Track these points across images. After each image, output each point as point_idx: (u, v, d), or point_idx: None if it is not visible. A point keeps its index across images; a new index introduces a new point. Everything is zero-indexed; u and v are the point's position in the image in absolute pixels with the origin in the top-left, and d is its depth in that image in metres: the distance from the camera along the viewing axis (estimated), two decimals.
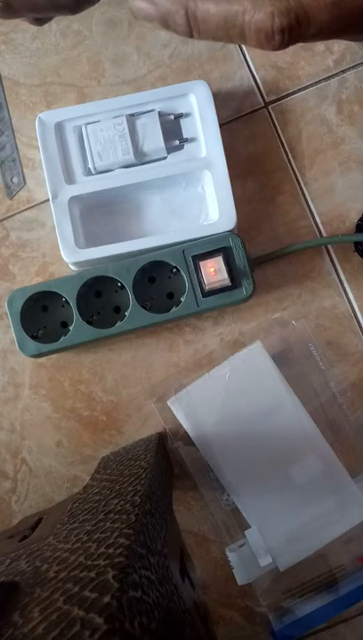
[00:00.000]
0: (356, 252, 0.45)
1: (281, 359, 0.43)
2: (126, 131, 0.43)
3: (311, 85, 0.47)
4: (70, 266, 0.44)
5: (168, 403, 0.43)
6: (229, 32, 0.22)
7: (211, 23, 0.22)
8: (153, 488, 0.30)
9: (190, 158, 0.44)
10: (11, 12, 0.28)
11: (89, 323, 0.43)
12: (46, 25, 0.38)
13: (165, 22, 0.22)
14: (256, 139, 0.47)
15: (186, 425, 0.42)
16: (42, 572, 0.22)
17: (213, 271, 0.42)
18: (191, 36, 0.23)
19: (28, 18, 0.29)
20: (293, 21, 0.20)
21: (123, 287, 0.43)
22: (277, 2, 0.20)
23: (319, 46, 0.47)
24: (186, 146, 0.44)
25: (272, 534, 0.40)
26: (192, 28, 0.22)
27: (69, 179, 0.44)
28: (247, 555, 0.40)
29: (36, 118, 0.43)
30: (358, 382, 0.45)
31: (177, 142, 0.44)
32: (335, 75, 0.47)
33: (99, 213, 0.45)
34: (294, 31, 0.21)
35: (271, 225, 0.46)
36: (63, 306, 0.43)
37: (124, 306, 0.43)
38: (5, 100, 0.48)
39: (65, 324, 0.44)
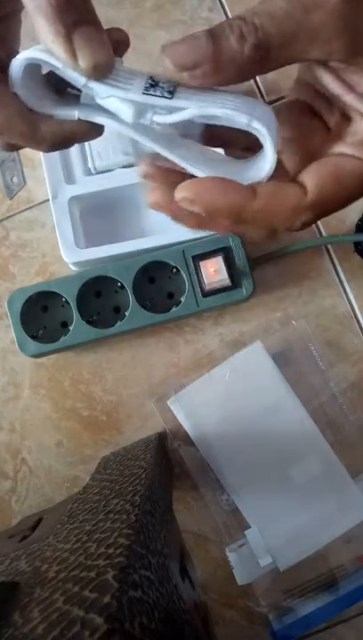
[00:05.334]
0: (356, 252, 0.45)
1: (281, 359, 0.43)
2: None
3: None
4: (70, 266, 0.44)
5: (168, 403, 0.43)
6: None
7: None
8: (153, 488, 0.30)
9: None
10: None
11: (89, 323, 0.43)
12: None
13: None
14: None
15: (186, 425, 0.42)
16: (42, 572, 0.22)
17: (214, 271, 0.42)
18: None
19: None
20: None
21: (123, 287, 0.43)
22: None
23: None
24: None
25: (272, 534, 0.40)
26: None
27: (69, 178, 0.44)
28: (247, 555, 0.40)
29: None
30: (358, 382, 0.45)
31: None
32: None
33: (99, 213, 0.45)
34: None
35: None
36: (63, 306, 0.43)
37: (124, 306, 0.43)
38: None
39: (65, 324, 0.44)
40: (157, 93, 0.20)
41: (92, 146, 0.43)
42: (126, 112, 0.21)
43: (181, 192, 0.22)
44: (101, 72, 0.20)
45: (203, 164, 0.23)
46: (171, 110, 0.21)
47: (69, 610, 0.17)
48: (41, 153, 0.43)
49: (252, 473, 0.42)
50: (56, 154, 0.43)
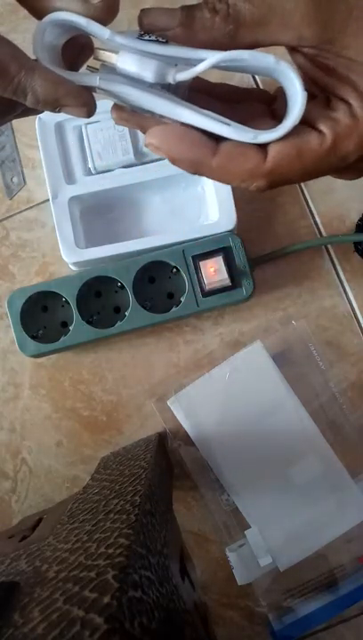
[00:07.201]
0: (356, 252, 0.45)
1: (281, 359, 0.43)
2: (126, 131, 0.43)
3: None
4: (70, 266, 0.44)
5: (168, 403, 0.43)
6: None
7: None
8: (153, 488, 0.30)
9: None
10: None
11: (89, 323, 0.43)
12: None
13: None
14: None
15: (186, 425, 0.42)
16: (42, 572, 0.23)
17: (214, 271, 0.42)
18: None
19: None
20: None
21: (123, 287, 0.43)
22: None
23: None
24: None
25: (272, 534, 0.40)
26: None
27: (69, 179, 0.44)
28: (247, 555, 0.40)
29: (36, 118, 0.43)
30: (358, 382, 0.45)
31: None
32: None
33: (99, 213, 0.45)
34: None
35: (271, 225, 0.46)
36: (63, 306, 0.43)
37: (124, 306, 0.43)
38: None
39: (65, 324, 0.44)
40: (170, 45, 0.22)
41: (92, 146, 0.43)
42: (149, 71, 0.22)
43: (149, 138, 0.23)
44: (112, 8, 0.22)
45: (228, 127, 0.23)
46: (191, 63, 0.22)
47: (69, 610, 0.17)
48: (41, 153, 0.43)
49: (252, 473, 0.42)
50: (56, 154, 0.43)
